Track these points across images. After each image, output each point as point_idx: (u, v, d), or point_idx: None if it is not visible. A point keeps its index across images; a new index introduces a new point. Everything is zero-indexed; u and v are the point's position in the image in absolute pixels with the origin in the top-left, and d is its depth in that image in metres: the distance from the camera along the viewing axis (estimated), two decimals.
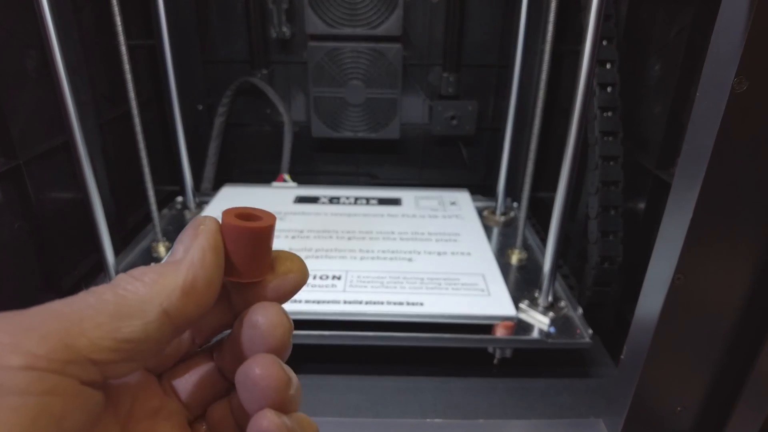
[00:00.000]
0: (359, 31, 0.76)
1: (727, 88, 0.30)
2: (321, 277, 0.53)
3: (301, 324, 0.49)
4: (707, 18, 0.46)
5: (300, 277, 0.17)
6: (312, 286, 0.52)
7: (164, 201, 0.77)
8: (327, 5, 0.75)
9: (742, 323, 0.37)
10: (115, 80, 0.68)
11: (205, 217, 0.15)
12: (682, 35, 0.50)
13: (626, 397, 0.41)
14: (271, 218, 0.16)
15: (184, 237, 0.15)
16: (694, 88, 0.48)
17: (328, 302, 0.50)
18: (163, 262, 0.14)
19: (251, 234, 0.15)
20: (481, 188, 0.88)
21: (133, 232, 0.73)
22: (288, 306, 0.50)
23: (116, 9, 0.52)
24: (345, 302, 0.50)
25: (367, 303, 0.50)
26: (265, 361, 0.15)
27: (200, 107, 0.86)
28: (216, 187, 0.82)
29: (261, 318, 0.15)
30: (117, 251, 0.62)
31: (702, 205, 0.33)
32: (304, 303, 0.49)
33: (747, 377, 0.38)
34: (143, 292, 0.13)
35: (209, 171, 0.85)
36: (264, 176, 0.82)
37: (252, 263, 0.15)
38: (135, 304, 0.13)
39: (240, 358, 0.15)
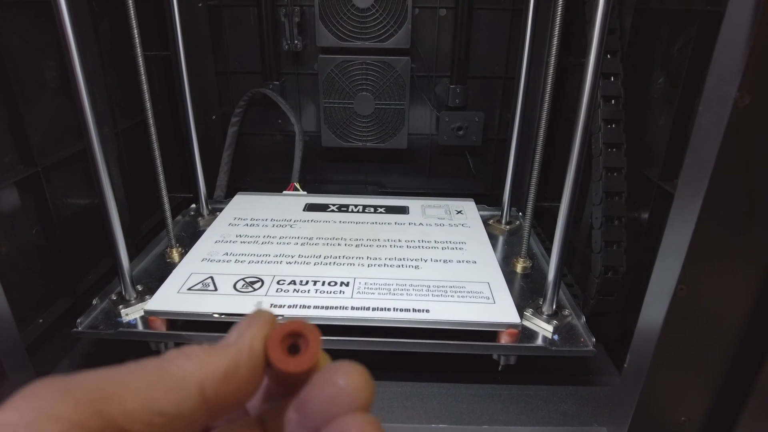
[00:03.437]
0: (369, 44, 0.78)
1: (730, 103, 0.30)
2: (330, 284, 0.54)
3: None
4: (711, 32, 0.46)
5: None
6: (320, 293, 0.53)
7: (178, 208, 0.78)
8: (337, 19, 0.77)
9: (745, 334, 0.37)
10: (131, 90, 0.70)
11: (263, 311, 0.15)
12: (686, 49, 0.50)
13: (630, 406, 0.41)
14: (316, 347, 0.15)
15: (240, 324, 0.15)
16: (697, 101, 0.49)
17: (337, 308, 0.50)
18: (217, 343, 0.14)
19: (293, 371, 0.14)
20: (487, 197, 0.89)
21: (146, 238, 0.75)
22: (298, 311, 0.51)
23: (134, 21, 0.53)
24: (353, 308, 0.51)
25: (374, 309, 0.50)
26: (361, 420, 0.14)
27: (214, 117, 0.88)
28: (228, 194, 0.83)
29: (342, 380, 0.14)
30: (131, 257, 0.63)
31: (705, 217, 0.34)
32: (312, 309, 0.50)
33: (751, 388, 0.38)
34: (187, 367, 0.13)
35: (222, 179, 0.86)
36: (275, 184, 0.84)
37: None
38: (175, 378, 0.13)
39: (315, 420, 0.14)
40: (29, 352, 0.51)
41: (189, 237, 0.69)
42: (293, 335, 0.14)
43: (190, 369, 0.13)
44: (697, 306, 0.36)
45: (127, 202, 0.71)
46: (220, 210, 0.73)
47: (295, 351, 0.14)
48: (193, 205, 0.77)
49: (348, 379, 0.14)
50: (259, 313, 0.15)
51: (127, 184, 0.71)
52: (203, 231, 0.67)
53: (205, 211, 0.75)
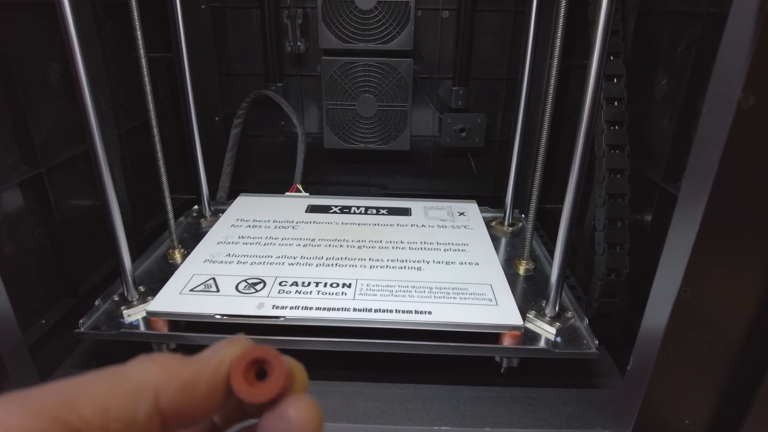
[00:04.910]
0: (371, 45, 0.78)
1: (734, 104, 0.30)
2: (332, 285, 0.54)
3: (312, 330, 0.50)
4: (715, 33, 0.46)
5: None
6: (322, 294, 0.53)
7: (181, 209, 0.79)
8: (340, 21, 0.77)
9: (750, 336, 0.37)
10: (134, 91, 0.71)
11: (242, 338, 0.15)
12: (689, 50, 0.50)
13: (633, 409, 0.41)
14: (281, 377, 0.14)
15: (218, 343, 0.15)
16: (701, 102, 0.49)
17: (339, 309, 0.50)
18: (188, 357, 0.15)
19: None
20: (490, 199, 0.89)
21: (149, 238, 0.75)
22: (300, 312, 0.51)
23: (137, 23, 0.54)
24: (355, 310, 0.50)
25: (376, 311, 0.50)
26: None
27: (217, 118, 0.88)
28: (231, 196, 0.84)
29: (293, 412, 0.14)
30: (134, 258, 0.63)
31: (708, 218, 0.33)
32: (314, 310, 0.50)
33: (757, 391, 0.38)
34: (147, 372, 0.13)
35: (225, 180, 0.86)
36: (277, 186, 0.84)
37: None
38: (134, 382, 0.13)
39: None
40: (31, 353, 0.51)
41: (191, 238, 0.69)
42: (259, 362, 0.14)
43: (150, 373, 0.13)
44: (701, 308, 0.36)
45: (130, 203, 0.71)
46: (223, 211, 0.73)
47: (262, 376, 0.14)
48: (196, 207, 0.77)
49: (298, 412, 0.14)
50: (238, 339, 0.15)
51: (130, 185, 0.71)
52: (206, 232, 0.67)
53: (207, 213, 0.75)
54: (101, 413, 0.12)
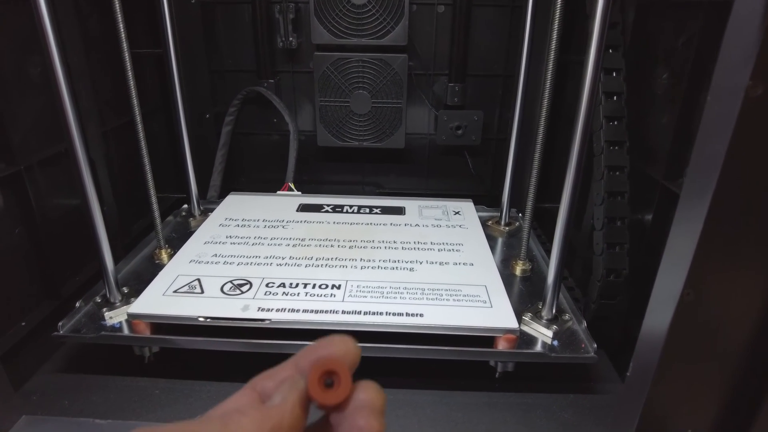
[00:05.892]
0: (365, 41, 0.76)
1: (741, 93, 0.28)
2: (320, 286, 0.52)
3: (298, 334, 0.48)
4: (716, 26, 0.45)
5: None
6: (310, 296, 0.51)
7: (171, 208, 0.77)
8: (333, 16, 0.75)
9: (756, 342, 0.36)
10: (122, 88, 0.69)
11: (299, 378, 0.18)
12: (690, 43, 0.49)
13: (633, 417, 0.39)
14: (348, 383, 0.18)
15: (283, 388, 0.18)
16: (703, 96, 0.47)
17: (327, 312, 0.49)
18: (267, 404, 0.18)
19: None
20: (487, 198, 0.87)
21: (138, 238, 0.73)
22: (286, 315, 0.49)
23: (119, 16, 0.52)
24: (343, 312, 0.49)
25: (366, 313, 0.49)
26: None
27: (208, 116, 0.86)
28: (222, 195, 0.82)
29: (363, 395, 0.18)
30: (120, 258, 0.62)
31: (713, 217, 0.32)
32: (301, 312, 0.48)
33: (762, 400, 0.37)
34: (243, 424, 0.17)
35: (216, 179, 0.84)
36: (270, 184, 0.82)
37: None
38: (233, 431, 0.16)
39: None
40: (10, 357, 0.49)
41: (179, 238, 0.67)
42: (329, 373, 0.18)
43: (247, 425, 0.17)
44: (705, 312, 0.34)
45: (117, 202, 0.69)
46: (213, 210, 0.72)
47: (331, 384, 0.18)
48: (185, 206, 0.75)
49: (367, 393, 0.18)
50: (295, 379, 0.18)
51: (118, 183, 0.70)
52: (194, 232, 0.65)
53: (196, 212, 0.73)
54: None
